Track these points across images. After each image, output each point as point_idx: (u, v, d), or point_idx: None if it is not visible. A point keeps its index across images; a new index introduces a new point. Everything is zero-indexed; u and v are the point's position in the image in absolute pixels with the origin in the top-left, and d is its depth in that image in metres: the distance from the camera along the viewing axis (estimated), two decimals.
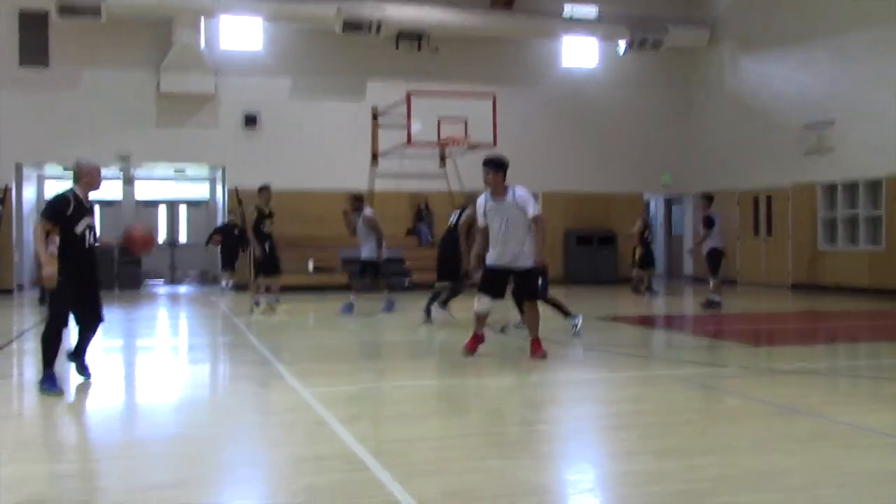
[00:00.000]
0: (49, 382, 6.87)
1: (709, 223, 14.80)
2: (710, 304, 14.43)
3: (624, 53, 23.31)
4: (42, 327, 7.15)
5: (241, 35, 21.53)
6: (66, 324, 7.07)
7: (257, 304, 14.34)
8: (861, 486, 4.40)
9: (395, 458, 4.89)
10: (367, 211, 13.88)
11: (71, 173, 7.22)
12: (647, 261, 18.40)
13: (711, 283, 14.78)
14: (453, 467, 4.68)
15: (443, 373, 8.33)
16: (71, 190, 7.06)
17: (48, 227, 6.94)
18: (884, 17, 18.01)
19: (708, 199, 15.34)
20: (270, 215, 14.18)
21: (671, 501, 4.17)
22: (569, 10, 23.33)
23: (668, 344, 11.17)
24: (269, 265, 14.41)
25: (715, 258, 14.81)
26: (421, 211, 22.38)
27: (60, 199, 7.00)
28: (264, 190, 14.27)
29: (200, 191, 24.00)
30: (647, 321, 13.41)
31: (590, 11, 23.35)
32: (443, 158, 22.18)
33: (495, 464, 4.82)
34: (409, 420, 6.03)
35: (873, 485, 4.45)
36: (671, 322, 13.90)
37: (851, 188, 19.05)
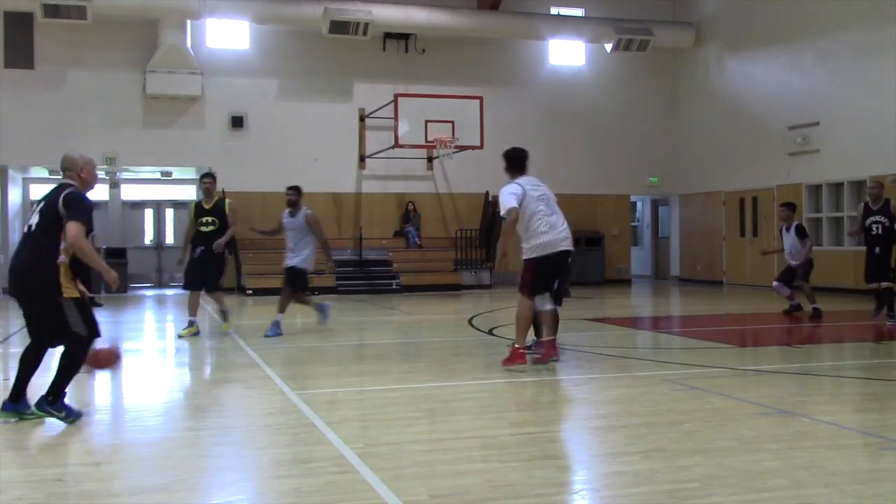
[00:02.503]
0: (69, 409, 5.96)
1: (803, 232, 14.21)
2: (816, 313, 13.73)
3: (600, 53, 23.36)
4: (65, 349, 6.04)
5: (227, 36, 21.49)
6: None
7: (223, 312, 11.92)
8: (845, 486, 4.43)
9: (384, 460, 4.90)
10: (308, 209, 11.59)
11: (62, 170, 6.18)
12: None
13: (806, 292, 13.94)
14: (442, 470, 4.69)
15: (431, 375, 8.34)
16: (73, 188, 6.04)
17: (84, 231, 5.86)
18: (868, 20, 18.14)
19: (791, 207, 14.40)
20: (210, 212, 11.20)
21: (658, 502, 4.20)
22: (555, 11, 23.40)
23: (655, 345, 11.21)
24: (190, 278, 11.43)
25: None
26: (409, 213, 22.39)
27: (87, 199, 6.07)
28: (205, 178, 11.68)
29: (187, 192, 23.91)
30: (632, 323, 13.44)
31: (574, 12, 23.42)
32: (430, 160, 22.22)
33: (484, 466, 4.84)
34: (398, 423, 6.03)
35: (858, 484, 4.49)
36: (658, 323, 13.95)
37: (836, 189, 19.17)
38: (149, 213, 23.73)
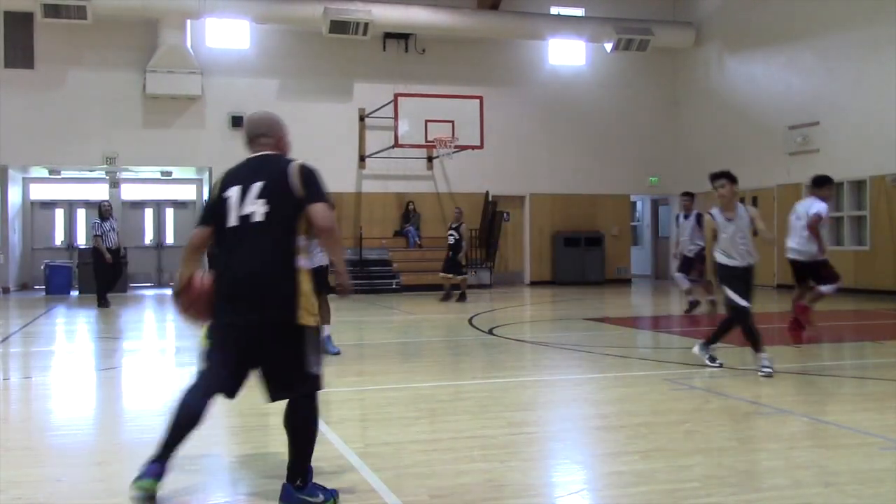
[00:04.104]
0: (325, 490, 4.18)
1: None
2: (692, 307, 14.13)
3: (601, 53, 23.37)
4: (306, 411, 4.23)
5: (227, 36, 21.49)
6: None
7: None
8: (845, 486, 4.43)
9: (384, 460, 4.90)
10: None
11: (255, 136, 4.52)
12: None
13: (703, 285, 14.23)
14: (442, 470, 4.69)
15: (431, 375, 8.34)
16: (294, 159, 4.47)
17: None
18: (868, 20, 18.14)
19: (691, 196, 15.07)
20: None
21: (658, 501, 4.20)
22: (555, 11, 23.41)
23: (655, 345, 11.21)
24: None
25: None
26: (409, 213, 22.39)
27: None
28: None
29: (187, 192, 23.91)
30: (633, 322, 13.45)
31: (574, 11, 23.43)
32: (430, 160, 22.22)
33: (484, 466, 4.84)
34: (398, 422, 6.04)
35: (858, 484, 4.49)
36: (657, 323, 13.95)
37: (836, 188, 19.13)
38: (149, 213, 23.73)
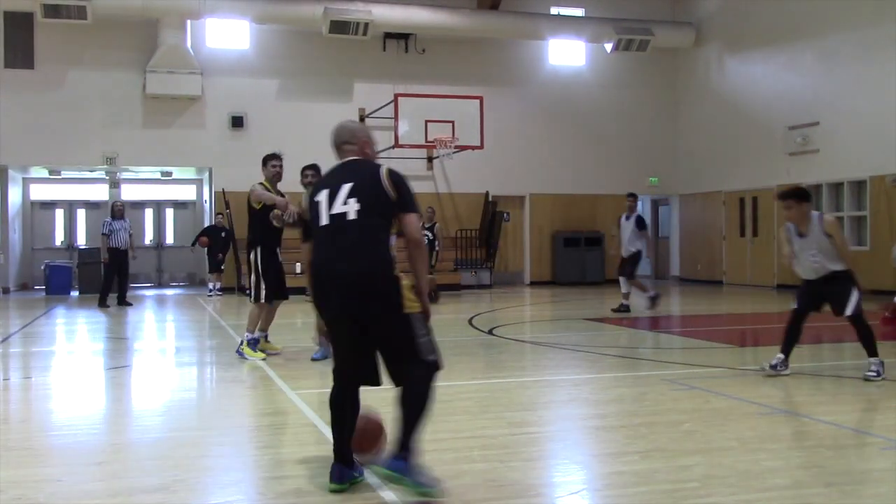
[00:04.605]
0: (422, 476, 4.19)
1: (643, 224, 14.62)
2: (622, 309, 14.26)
3: (601, 53, 23.38)
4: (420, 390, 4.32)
5: (227, 36, 21.50)
6: None
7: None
8: (845, 486, 4.44)
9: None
10: None
11: (342, 144, 4.63)
12: None
13: (638, 285, 14.43)
14: (442, 470, 4.68)
15: None
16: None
17: None
18: (868, 20, 18.14)
19: (635, 196, 15.12)
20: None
21: (658, 501, 4.20)
22: (555, 11, 23.43)
23: (655, 345, 11.21)
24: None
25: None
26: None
27: None
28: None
29: (187, 192, 23.92)
30: (633, 322, 13.45)
31: (574, 11, 23.45)
32: (430, 160, 22.22)
33: (484, 466, 4.84)
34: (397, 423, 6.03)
35: (858, 484, 4.49)
36: (657, 323, 13.95)
37: (836, 189, 19.18)
38: (149, 213, 23.74)
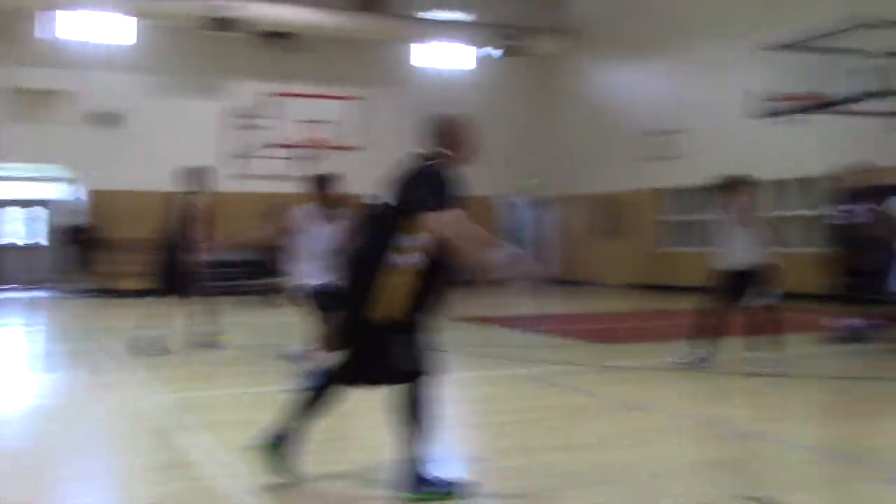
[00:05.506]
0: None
1: None
2: None
3: (481, 57, 23.78)
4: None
5: (101, 30, 20.74)
6: None
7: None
8: (700, 475, 4.72)
9: (243, 466, 4.86)
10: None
11: None
12: None
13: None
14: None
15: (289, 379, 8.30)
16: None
17: None
18: (725, 32, 19.00)
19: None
20: None
21: (522, 498, 4.35)
22: (432, 16, 23.69)
23: (519, 343, 11.39)
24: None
25: None
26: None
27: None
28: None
29: (56, 191, 23.02)
30: (499, 321, 13.65)
31: (454, 15, 23.77)
32: (306, 160, 22.01)
33: (341, 468, 4.90)
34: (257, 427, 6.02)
35: (712, 471, 4.80)
36: (522, 322, 14.21)
37: (696, 193, 20.05)
38: (15, 213, 22.74)
